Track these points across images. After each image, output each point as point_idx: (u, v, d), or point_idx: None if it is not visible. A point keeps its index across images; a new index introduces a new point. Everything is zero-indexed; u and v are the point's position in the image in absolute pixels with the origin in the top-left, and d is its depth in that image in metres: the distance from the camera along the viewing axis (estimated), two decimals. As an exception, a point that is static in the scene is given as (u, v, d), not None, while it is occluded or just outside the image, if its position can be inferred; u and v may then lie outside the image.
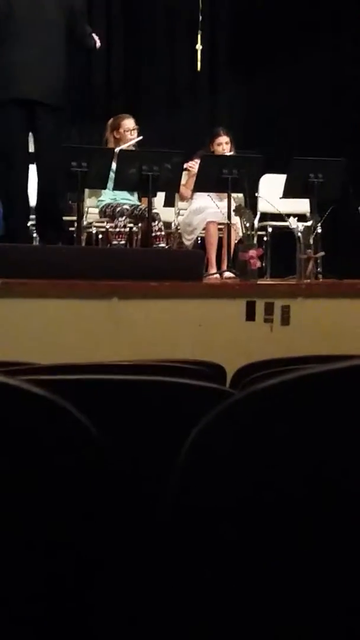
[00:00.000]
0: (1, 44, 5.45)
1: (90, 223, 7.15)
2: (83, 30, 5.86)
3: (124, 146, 6.67)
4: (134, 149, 6.69)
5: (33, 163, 5.83)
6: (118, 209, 6.66)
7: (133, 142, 6.81)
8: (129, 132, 6.88)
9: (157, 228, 6.54)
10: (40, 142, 5.65)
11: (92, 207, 7.12)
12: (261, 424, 1.14)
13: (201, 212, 6.99)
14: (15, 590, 1.17)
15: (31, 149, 5.76)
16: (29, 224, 6.13)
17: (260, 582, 1.17)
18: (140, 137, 6.84)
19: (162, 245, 6.67)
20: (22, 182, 5.68)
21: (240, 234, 6.23)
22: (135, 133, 6.89)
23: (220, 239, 6.99)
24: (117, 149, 6.43)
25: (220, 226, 6.91)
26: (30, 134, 5.71)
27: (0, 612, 1.16)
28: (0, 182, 5.81)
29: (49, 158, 5.71)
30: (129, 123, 6.93)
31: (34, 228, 6.25)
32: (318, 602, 1.19)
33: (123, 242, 6.67)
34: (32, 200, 5.96)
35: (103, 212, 6.84)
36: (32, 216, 6.10)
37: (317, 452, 1.15)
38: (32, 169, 5.88)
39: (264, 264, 6.59)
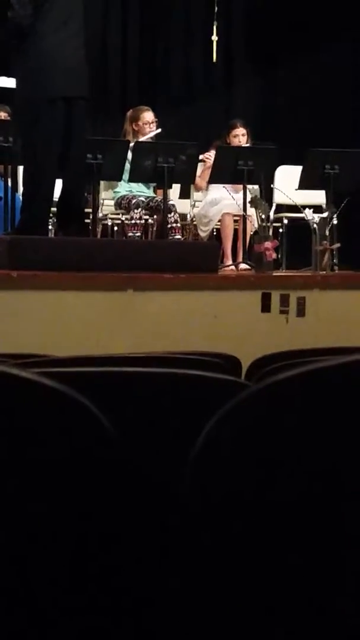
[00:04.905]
0: (41, 39, 5.33)
1: (106, 215, 7.15)
2: None
3: (142, 138, 6.66)
4: (152, 141, 6.67)
5: None
6: (134, 200, 6.65)
7: (152, 134, 6.79)
8: (148, 124, 6.87)
9: (172, 220, 6.53)
10: (73, 136, 5.51)
11: (107, 199, 7.11)
12: (276, 416, 1.13)
13: (217, 203, 6.97)
14: (33, 579, 1.17)
15: None
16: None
17: (271, 577, 1.16)
18: (159, 130, 6.82)
19: (178, 237, 6.65)
20: (53, 179, 5.57)
21: (256, 225, 6.21)
22: (154, 126, 6.87)
23: (235, 231, 6.96)
24: (132, 142, 6.42)
25: (235, 218, 6.89)
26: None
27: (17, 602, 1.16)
28: (30, 176, 5.64)
29: (80, 151, 5.64)
30: (148, 116, 6.91)
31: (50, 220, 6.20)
32: (324, 599, 1.18)
33: (139, 234, 6.66)
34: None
35: (119, 204, 6.84)
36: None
37: (332, 444, 1.14)
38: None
39: (279, 256, 6.57)
